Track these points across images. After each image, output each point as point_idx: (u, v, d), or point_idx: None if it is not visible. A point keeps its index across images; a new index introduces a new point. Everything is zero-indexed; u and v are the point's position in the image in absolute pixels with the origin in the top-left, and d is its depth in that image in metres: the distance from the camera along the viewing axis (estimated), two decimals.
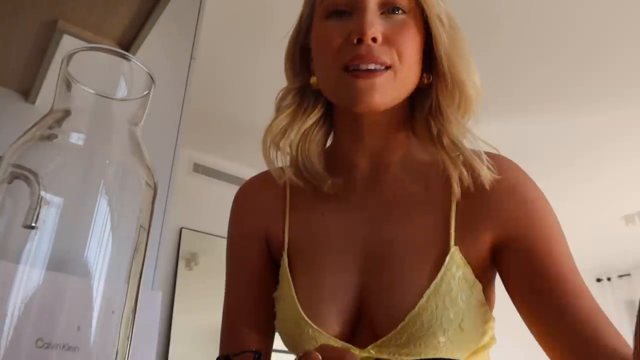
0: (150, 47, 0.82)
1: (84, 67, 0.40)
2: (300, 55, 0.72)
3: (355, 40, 0.61)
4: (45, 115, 0.39)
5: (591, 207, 3.66)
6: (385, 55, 0.62)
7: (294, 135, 0.69)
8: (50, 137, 0.38)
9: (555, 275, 0.60)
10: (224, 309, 0.75)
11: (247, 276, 0.74)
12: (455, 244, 0.63)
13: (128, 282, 0.37)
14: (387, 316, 0.62)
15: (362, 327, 0.65)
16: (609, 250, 4.52)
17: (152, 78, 0.42)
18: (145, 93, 0.42)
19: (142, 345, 0.77)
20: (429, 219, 0.66)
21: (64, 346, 0.32)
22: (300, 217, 0.72)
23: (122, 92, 0.42)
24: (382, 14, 0.64)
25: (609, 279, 5.04)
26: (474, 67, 0.66)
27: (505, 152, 0.68)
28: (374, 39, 0.61)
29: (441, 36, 0.65)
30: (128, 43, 0.79)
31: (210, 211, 3.05)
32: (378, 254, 0.66)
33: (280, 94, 0.72)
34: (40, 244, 0.34)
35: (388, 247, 0.66)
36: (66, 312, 0.34)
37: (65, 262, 0.34)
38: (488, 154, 0.65)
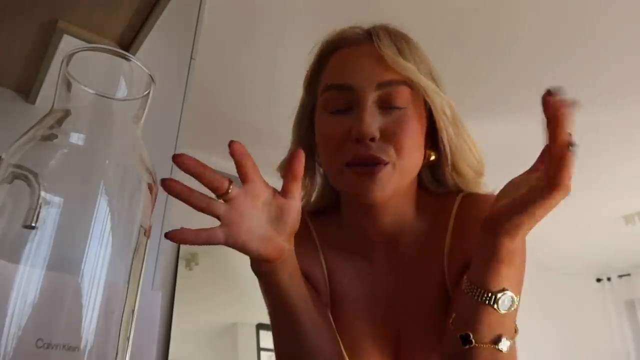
0: (150, 47, 0.82)
1: (84, 67, 0.40)
2: (306, 129, 0.74)
3: (354, 139, 0.63)
4: (45, 115, 0.39)
5: (591, 207, 3.66)
6: (383, 153, 0.63)
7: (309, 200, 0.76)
8: (50, 137, 0.38)
9: None
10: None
11: None
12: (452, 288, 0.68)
13: (128, 282, 0.37)
14: None
15: None
16: (609, 250, 4.52)
17: (152, 78, 0.42)
18: (145, 93, 0.42)
19: (142, 345, 0.77)
20: (435, 273, 0.70)
21: (64, 346, 0.32)
22: (335, 264, 0.73)
23: (122, 92, 0.42)
24: (381, 108, 0.64)
25: (609, 279, 5.04)
26: (475, 147, 0.70)
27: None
28: (372, 139, 0.62)
29: (447, 129, 0.67)
30: (128, 43, 0.79)
31: None
32: (407, 312, 0.69)
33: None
34: (40, 244, 0.34)
35: (413, 304, 0.69)
36: (66, 312, 0.34)
37: (65, 262, 0.34)
38: (485, 196, 0.70)
